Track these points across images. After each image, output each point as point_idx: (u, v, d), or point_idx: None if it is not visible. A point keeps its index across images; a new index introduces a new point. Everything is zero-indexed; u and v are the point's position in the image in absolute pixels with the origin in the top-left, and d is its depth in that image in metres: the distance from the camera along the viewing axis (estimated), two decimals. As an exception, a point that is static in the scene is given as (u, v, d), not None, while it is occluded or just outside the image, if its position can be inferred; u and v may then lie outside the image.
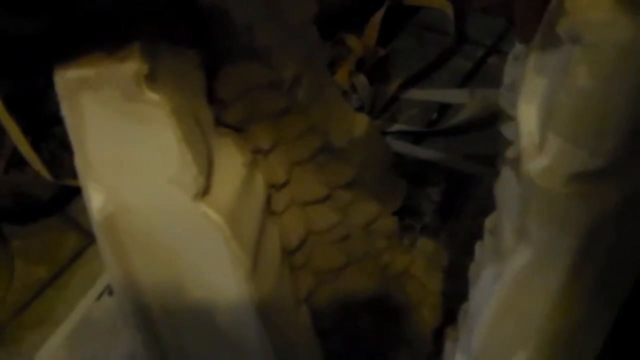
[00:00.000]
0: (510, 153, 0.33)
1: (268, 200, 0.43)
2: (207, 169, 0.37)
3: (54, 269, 0.59)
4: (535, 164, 0.30)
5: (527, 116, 0.30)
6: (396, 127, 0.65)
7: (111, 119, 0.35)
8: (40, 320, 0.56)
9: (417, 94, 0.69)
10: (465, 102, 0.65)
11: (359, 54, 0.71)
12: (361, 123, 0.48)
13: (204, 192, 0.36)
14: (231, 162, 0.39)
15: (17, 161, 0.57)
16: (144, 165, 0.36)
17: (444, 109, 0.67)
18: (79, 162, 0.37)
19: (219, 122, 0.41)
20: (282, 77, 0.41)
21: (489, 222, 0.37)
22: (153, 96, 0.34)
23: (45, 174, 0.56)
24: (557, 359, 0.37)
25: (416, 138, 0.64)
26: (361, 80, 0.68)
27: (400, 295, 0.52)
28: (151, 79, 0.34)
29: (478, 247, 0.39)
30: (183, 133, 0.35)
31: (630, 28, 0.25)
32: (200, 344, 0.41)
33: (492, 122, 0.34)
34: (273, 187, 0.44)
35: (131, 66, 0.34)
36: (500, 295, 0.34)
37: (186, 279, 0.39)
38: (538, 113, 0.30)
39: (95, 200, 0.37)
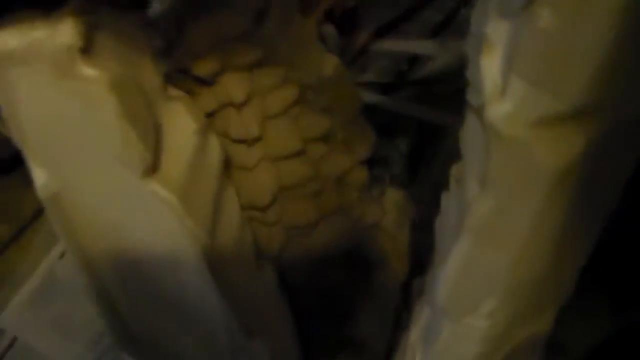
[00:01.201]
0: (473, 99, 0.32)
1: (240, 156, 0.43)
2: (155, 142, 0.35)
3: (14, 228, 0.57)
4: (498, 110, 0.29)
5: (490, 60, 0.29)
6: (365, 78, 0.64)
7: (46, 96, 0.33)
8: (2, 281, 0.55)
9: (387, 44, 0.68)
10: (436, 53, 0.64)
11: (328, 4, 0.69)
12: (330, 63, 0.47)
13: (153, 168, 0.35)
14: (182, 131, 0.38)
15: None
16: (85, 144, 0.35)
17: (414, 60, 0.66)
18: (17, 139, 0.35)
19: (190, 76, 0.40)
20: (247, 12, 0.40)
21: (455, 170, 0.37)
22: (89, 71, 0.32)
23: (3, 129, 0.54)
24: (525, 307, 0.37)
25: (386, 89, 0.63)
26: (329, 30, 0.66)
27: (371, 248, 0.51)
28: (87, 51, 0.32)
29: (444, 197, 0.38)
30: (125, 109, 0.33)
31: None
32: (160, 314, 0.40)
33: (462, 73, 0.33)
34: (245, 143, 0.43)
35: (64, 37, 0.32)
36: (464, 245, 0.34)
37: (139, 255, 0.38)
38: (501, 56, 0.29)
39: (38, 177, 0.36)
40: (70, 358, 0.53)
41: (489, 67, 0.29)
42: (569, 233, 0.33)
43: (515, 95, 0.28)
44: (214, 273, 0.38)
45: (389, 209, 0.53)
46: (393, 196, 0.55)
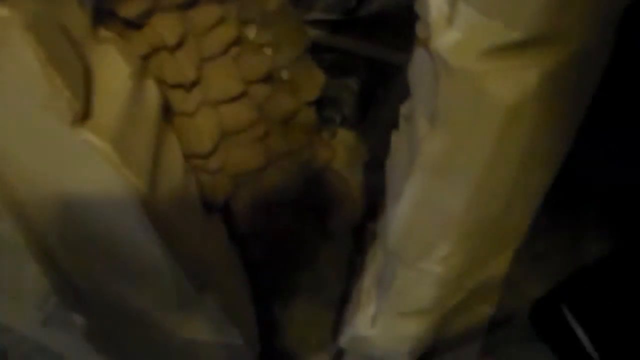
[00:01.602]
0: (421, 32, 0.30)
1: (178, 102, 0.40)
2: (85, 88, 0.32)
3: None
4: (446, 39, 0.27)
5: None
6: (313, 15, 0.62)
7: None
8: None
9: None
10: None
11: None
12: None
13: (84, 115, 0.32)
14: (115, 75, 0.35)
15: None
16: (9, 91, 0.31)
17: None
18: None
19: (117, 19, 0.37)
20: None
21: (404, 108, 0.35)
22: (1, 11, 0.29)
23: None
24: (480, 250, 0.36)
25: (334, 27, 0.61)
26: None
27: (322, 192, 0.50)
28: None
29: (394, 136, 0.36)
30: (47, 52, 0.30)
31: None
32: (103, 269, 0.39)
33: (411, 8, 0.31)
34: (182, 87, 0.40)
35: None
36: (415, 185, 0.32)
37: (76, 209, 0.35)
38: None
39: None
40: (18, 318, 0.51)
41: (435, 1, 0.28)
42: (525, 171, 0.31)
43: (463, 23, 0.26)
44: (156, 225, 0.36)
45: (340, 150, 0.51)
46: (344, 137, 0.53)
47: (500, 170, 0.30)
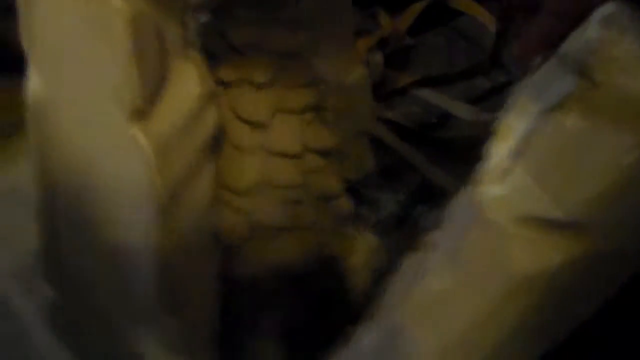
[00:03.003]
0: (477, 172, 0.31)
1: (237, 136, 0.41)
2: (154, 90, 0.34)
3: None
4: (492, 190, 0.27)
5: (506, 138, 0.28)
6: (391, 115, 0.63)
7: (65, 14, 0.33)
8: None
9: (425, 93, 0.66)
10: (468, 119, 0.63)
11: (386, 33, 0.68)
12: (357, 72, 0.45)
13: (142, 115, 0.33)
14: (185, 91, 0.36)
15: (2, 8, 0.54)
16: (89, 68, 0.34)
17: (446, 118, 0.65)
18: (25, 40, 0.35)
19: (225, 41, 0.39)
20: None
21: (429, 237, 0.35)
22: (115, 1, 0.31)
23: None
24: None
25: (405, 135, 0.62)
26: (377, 58, 0.65)
27: (327, 281, 0.50)
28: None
29: (407, 259, 0.36)
30: (136, 46, 0.32)
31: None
32: (91, 259, 0.40)
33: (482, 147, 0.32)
34: (248, 124, 0.42)
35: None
36: (394, 319, 0.32)
37: (95, 195, 0.36)
38: (517, 138, 0.27)
39: (33, 81, 0.35)
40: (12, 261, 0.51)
41: (502, 145, 0.28)
42: (512, 343, 0.31)
43: (514, 183, 0.27)
44: (161, 239, 0.36)
45: (360, 250, 0.52)
46: (370, 240, 0.54)
47: (489, 330, 0.30)
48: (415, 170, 0.59)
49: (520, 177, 0.27)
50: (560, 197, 0.26)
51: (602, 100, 0.24)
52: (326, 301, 0.50)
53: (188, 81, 0.36)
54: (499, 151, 0.28)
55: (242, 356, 0.48)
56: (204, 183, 0.38)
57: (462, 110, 0.65)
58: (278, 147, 0.42)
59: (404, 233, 0.55)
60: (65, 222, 0.39)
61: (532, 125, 0.27)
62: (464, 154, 0.60)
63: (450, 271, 0.30)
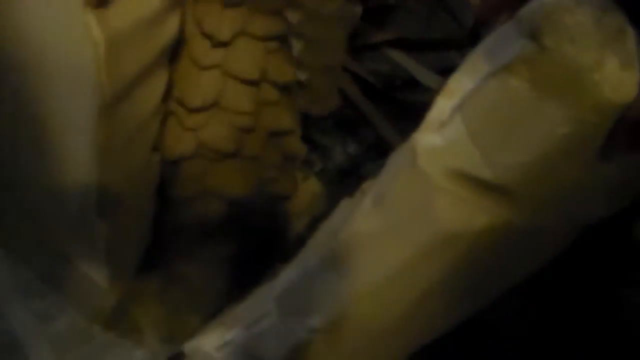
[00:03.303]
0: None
1: (198, 51, 0.41)
2: None
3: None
4: (428, 140, 0.28)
5: (452, 93, 0.28)
6: (357, 68, 0.62)
7: None
8: None
9: (396, 55, 0.66)
10: (434, 88, 0.63)
11: (369, -11, 0.67)
12: (337, 2, 0.44)
13: (99, 2, 0.32)
14: None
15: None
16: None
17: (411, 83, 0.64)
18: None
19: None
20: None
21: (366, 184, 0.35)
22: None
23: None
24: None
25: (367, 91, 0.62)
26: (356, 10, 0.64)
27: (265, 218, 0.50)
28: None
29: (343, 202, 0.36)
30: None
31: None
32: (31, 161, 0.39)
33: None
34: (211, 40, 0.41)
35: None
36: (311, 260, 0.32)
37: (44, 84, 0.35)
38: (462, 93, 0.28)
39: None
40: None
41: (447, 96, 0.28)
42: (428, 296, 0.31)
43: (450, 135, 0.27)
44: (100, 139, 0.36)
45: (303, 193, 0.52)
46: (313, 185, 0.54)
47: (404, 279, 0.30)
48: (371, 127, 0.59)
49: (456, 130, 0.27)
50: (492, 157, 0.26)
51: (547, 67, 0.24)
52: (261, 238, 0.50)
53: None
54: (443, 104, 0.28)
55: (173, 280, 0.48)
56: (153, 90, 0.38)
57: (428, 78, 0.65)
58: (236, 70, 0.42)
59: (348, 185, 0.55)
60: (9, 108, 0.38)
61: (478, 82, 0.27)
62: (422, 119, 0.60)
63: (377, 215, 0.30)
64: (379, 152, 0.57)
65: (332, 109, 0.49)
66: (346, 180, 0.56)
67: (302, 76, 0.45)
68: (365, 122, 0.59)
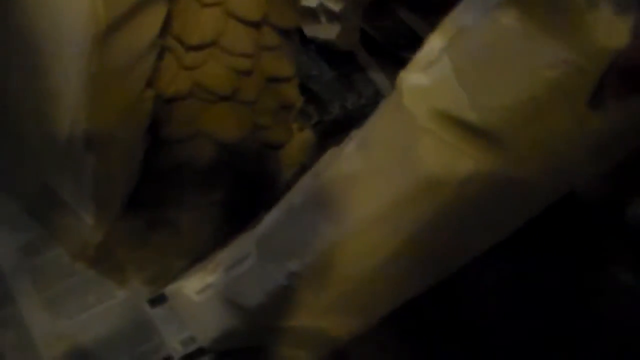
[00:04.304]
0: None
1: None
2: None
3: None
4: (414, 78, 0.27)
5: (445, 31, 0.27)
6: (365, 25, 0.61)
7: None
8: None
9: (405, 14, 0.65)
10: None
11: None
12: None
13: None
14: None
15: None
16: None
17: (414, 43, 0.63)
18: None
19: None
20: None
21: (354, 133, 0.35)
22: None
23: None
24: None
25: (369, 46, 0.61)
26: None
27: (257, 163, 0.49)
28: None
29: (330, 150, 0.36)
30: None
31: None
32: (24, 89, 0.38)
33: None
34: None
35: None
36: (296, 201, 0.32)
37: (39, 12, 0.35)
38: (452, 33, 0.27)
39: None
40: None
41: (434, 42, 0.27)
42: (416, 241, 0.31)
43: (437, 74, 0.26)
44: (93, 69, 0.35)
45: (296, 143, 0.51)
46: (307, 136, 0.53)
47: (389, 222, 0.30)
48: (369, 82, 0.58)
49: (443, 69, 0.26)
50: (477, 98, 0.25)
51: (539, 6, 0.24)
52: (251, 185, 0.50)
53: None
54: (434, 42, 0.27)
55: (160, 222, 0.48)
56: (151, 22, 0.37)
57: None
58: (237, 9, 0.41)
59: (342, 138, 0.55)
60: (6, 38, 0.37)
61: (471, 20, 0.26)
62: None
63: (360, 157, 0.30)
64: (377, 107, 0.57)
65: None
66: (342, 134, 0.55)
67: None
68: (364, 78, 0.58)
